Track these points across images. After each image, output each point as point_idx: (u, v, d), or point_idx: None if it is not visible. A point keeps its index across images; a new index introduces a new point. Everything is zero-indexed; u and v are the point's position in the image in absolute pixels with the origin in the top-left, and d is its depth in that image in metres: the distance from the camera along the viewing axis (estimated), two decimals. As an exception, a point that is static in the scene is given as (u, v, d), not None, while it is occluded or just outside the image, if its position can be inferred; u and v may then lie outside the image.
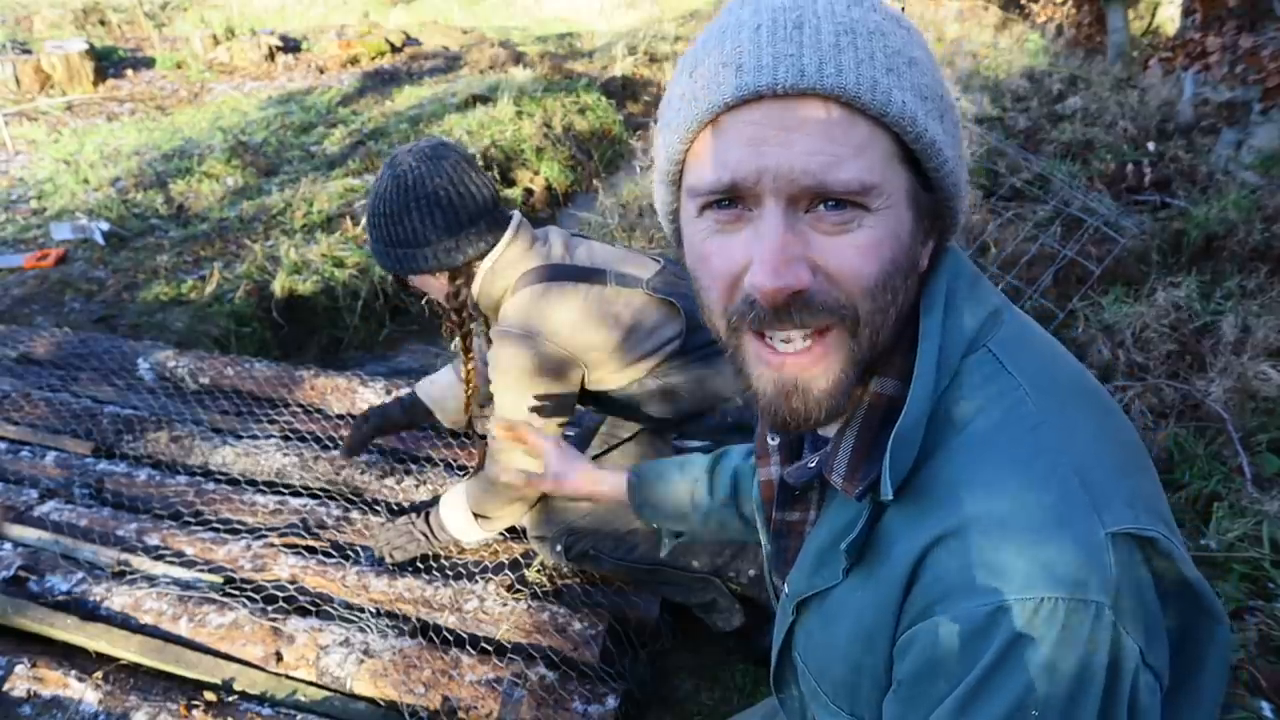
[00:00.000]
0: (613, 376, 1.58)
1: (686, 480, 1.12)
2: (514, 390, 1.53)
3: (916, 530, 0.59)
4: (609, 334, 1.53)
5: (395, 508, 2.00)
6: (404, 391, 2.02)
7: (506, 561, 1.80)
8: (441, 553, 1.82)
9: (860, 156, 0.54)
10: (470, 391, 1.75)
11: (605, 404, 1.66)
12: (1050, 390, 0.60)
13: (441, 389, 1.95)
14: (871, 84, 0.53)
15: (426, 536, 1.76)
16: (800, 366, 0.58)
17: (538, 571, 1.77)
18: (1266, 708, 1.53)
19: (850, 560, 0.64)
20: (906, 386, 0.61)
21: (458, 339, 1.67)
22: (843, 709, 0.69)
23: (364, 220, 1.58)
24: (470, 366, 1.70)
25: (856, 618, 0.64)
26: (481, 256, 1.54)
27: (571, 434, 1.99)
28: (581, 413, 2.07)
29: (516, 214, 1.60)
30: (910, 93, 0.55)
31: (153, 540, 1.84)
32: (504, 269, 1.55)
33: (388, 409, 1.98)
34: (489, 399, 1.84)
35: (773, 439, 0.77)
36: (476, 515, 1.69)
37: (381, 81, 7.25)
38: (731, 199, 0.57)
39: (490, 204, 1.54)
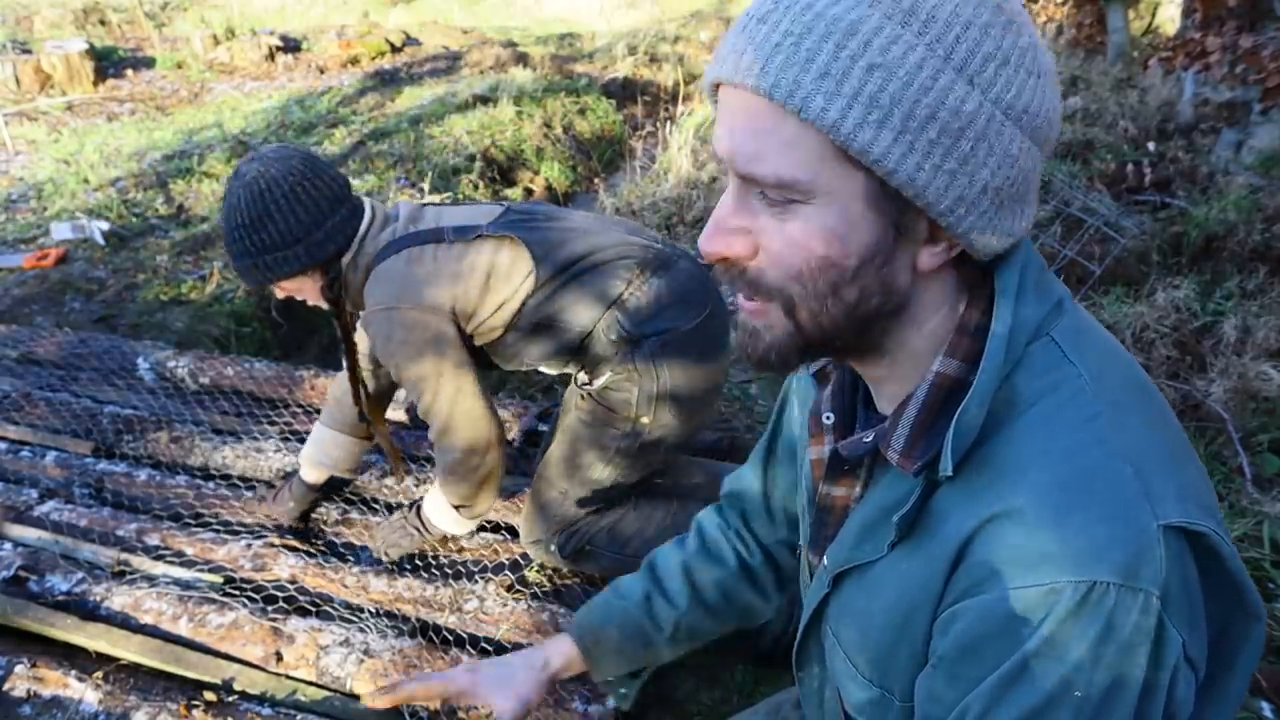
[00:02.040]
0: (488, 324, 1.62)
1: (632, 606, 1.04)
2: (407, 362, 1.56)
3: (969, 508, 0.60)
4: (464, 284, 1.57)
5: (395, 507, 2.00)
6: (299, 475, 1.94)
7: (506, 562, 1.80)
8: (440, 551, 1.82)
9: (785, 153, 0.56)
10: (362, 389, 1.76)
11: (500, 355, 1.70)
12: (1108, 381, 0.61)
13: (320, 449, 1.89)
14: (791, 86, 0.54)
15: (420, 531, 1.78)
16: (750, 316, 0.65)
17: (538, 571, 1.77)
18: (1266, 708, 1.53)
19: (900, 533, 0.65)
20: (969, 368, 0.63)
21: (340, 336, 1.69)
22: (873, 682, 0.70)
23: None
24: (355, 359, 1.73)
25: (898, 591, 0.66)
26: (347, 245, 1.57)
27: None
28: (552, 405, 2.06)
29: (368, 200, 1.63)
30: (847, 98, 0.53)
31: (153, 540, 1.84)
32: (364, 256, 1.59)
33: (308, 493, 1.93)
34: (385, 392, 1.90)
35: (828, 418, 0.77)
36: (457, 507, 1.70)
37: (382, 82, 7.25)
38: None
39: (344, 193, 1.57)
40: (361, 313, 1.62)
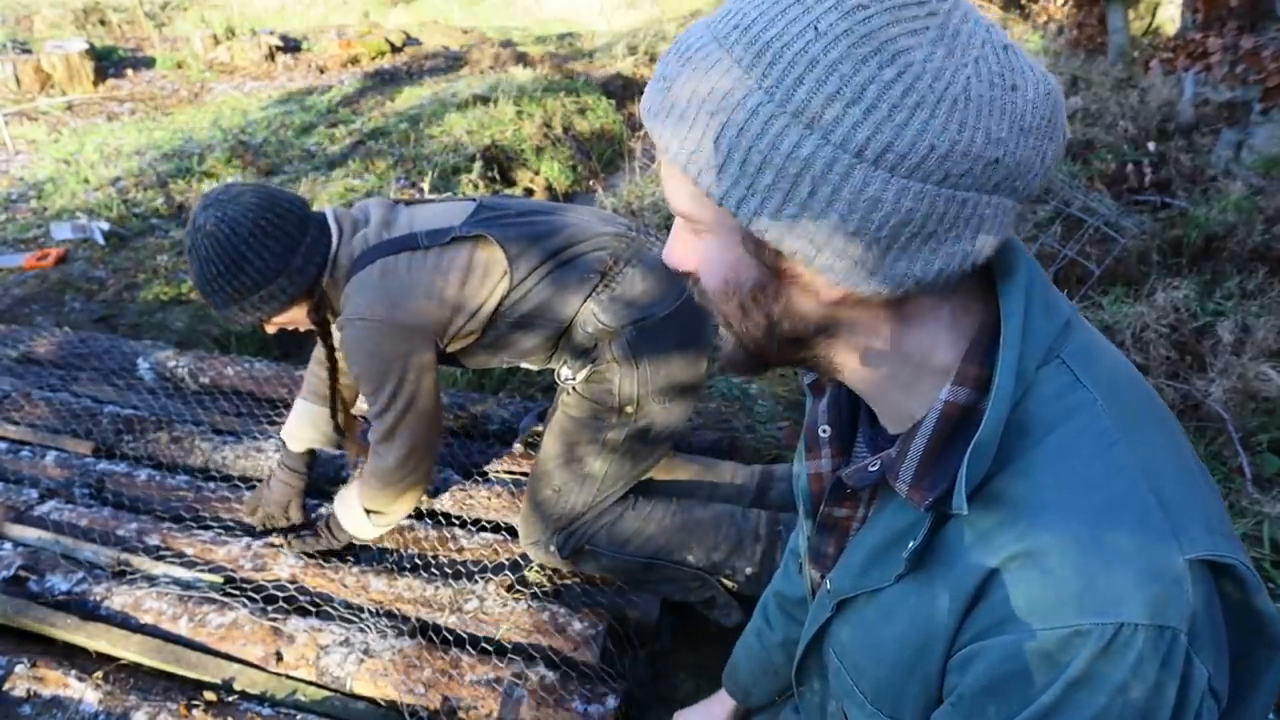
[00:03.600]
0: (466, 327, 1.60)
1: (752, 642, 1.17)
2: (370, 373, 1.55)
3: (988, 544, 0.58)
4: (439, 292, 1.55)
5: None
6: (280, 458, 1.91)
7: (506, 562, 1.80)
8: (440, 551, 1.82)
9: (679, 190, 0.60)
10: (342, 401, 1.78)
11: (480, 354, 1.69)
12: (1124, 405, 0.59)
13: (304, 424, 1.87)
14: (660, 129, 0.58)
15: (327, 531, 1.79)
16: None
17: (538, 571, 1.77)
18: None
19: (909, 567, 0.64)
20: (979, 395, 0.61)
21: (324, 351, 1.70)
22: (882, 710, 0.69)
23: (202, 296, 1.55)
24: (337, 379, 1.73)
25: (909, 623, 0.64)
26: (324, 263, 1.55)
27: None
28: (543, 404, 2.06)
29: (328, 209, 1.61)
30: (694, 142, 0.55)
31: (153, 540, 1.84)
32: (340, 269, 1.57)
33: (292, 477, 1.90)
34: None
35: (824, 431, 0.76)
36: (369, 511, 1.70)
37: (382, 81, 7.26)
38: None
39: (306, 212, 1.55)
40: (336, 320, 1.61)
